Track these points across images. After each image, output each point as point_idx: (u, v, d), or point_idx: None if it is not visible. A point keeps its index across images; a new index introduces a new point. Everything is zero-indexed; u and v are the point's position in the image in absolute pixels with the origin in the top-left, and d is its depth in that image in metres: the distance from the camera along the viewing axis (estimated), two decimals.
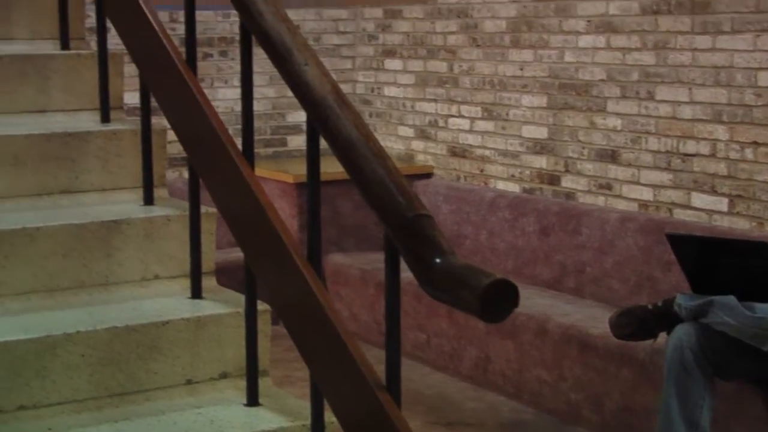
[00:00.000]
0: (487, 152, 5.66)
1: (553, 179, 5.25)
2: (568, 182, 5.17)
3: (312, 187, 1.93)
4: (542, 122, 5.30)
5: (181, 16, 6.27)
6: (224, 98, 6.28)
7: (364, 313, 5.34)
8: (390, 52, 6.33)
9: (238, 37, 2.14)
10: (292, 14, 2.06)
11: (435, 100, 6.01)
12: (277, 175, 5.78)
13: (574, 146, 5.13)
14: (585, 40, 5.04)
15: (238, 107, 2.20)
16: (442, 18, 5.93)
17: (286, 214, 5.61)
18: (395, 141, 6.30)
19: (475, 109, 5.72)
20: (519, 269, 5.10)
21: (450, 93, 5.89)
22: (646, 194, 4.75)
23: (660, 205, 4.69)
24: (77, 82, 2.61)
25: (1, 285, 2.14)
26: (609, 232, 4.70)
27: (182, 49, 2.30)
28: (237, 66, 6.98)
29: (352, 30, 6.63)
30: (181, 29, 6.23)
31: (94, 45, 2.67)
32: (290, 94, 1.98)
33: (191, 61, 2.27)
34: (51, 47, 2.69)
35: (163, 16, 4.89)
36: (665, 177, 4.65)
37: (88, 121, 2.56)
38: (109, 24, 2.49)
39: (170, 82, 2.26)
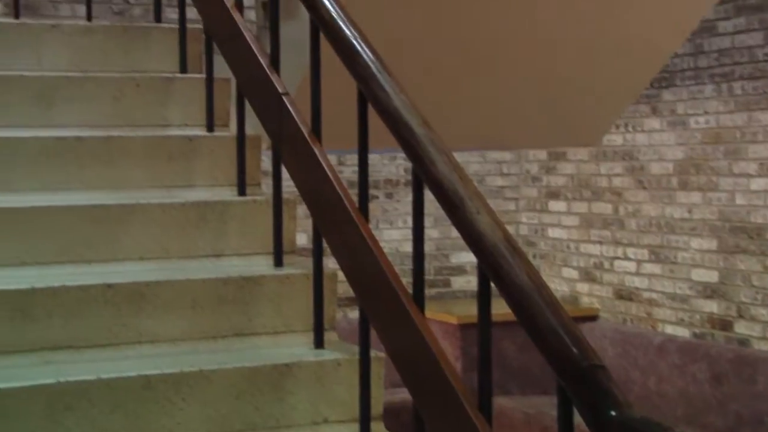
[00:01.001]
0: (654, 295, 5.54)
1: (726, 324, 5.09)
2: (741, 328, 5.00)
3: (482, 336, 1.92)
4: (712, 266, 5.17)
5: (349, 159, 6.45)
6: (389, 239, 6.37)
7: None
8: (554, 194, 6.33)
9: (403, 180, 2.18)
10: (456, 156, 2.08)
11: (600, 242, 5.95)
12: (441, 316, 5.79)
13: (747, 291, 4.98)
14: (757, 183, 4.94)
15: (403, 248, 2.22)
16: (607, 160, 5.92)
17: (450, 355, 5.58)
18: (559, 282, 6.25)
19: (642, 251, 5.64)
20: (691, 418, 4.92)
21: (615, 235, 5.83)
22: None
23: None
24: (252, 227, 2.69)
25: (178, 426, 2.19)
26: None
27: (351, 191, 2.36)
28: (402, 207, 7.12)
29: (516, 172, 6.68)
30: (348, 171, 6.42)
31: (266, 187, 2.76)
32: (454, 234, 2.00)
33: (363, 205, 2.32)
34: (228, 193, 2.79)
35: (332, 159, 5.04)
36: None
37: (262, 265, 2.62)
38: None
39: (341, 226, 2.31)
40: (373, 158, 6.55)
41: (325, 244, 2.41)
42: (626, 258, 5.70)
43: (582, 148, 6.05)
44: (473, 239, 1.91)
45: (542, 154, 6.38)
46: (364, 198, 2.34)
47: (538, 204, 6.43)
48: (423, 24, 3.79)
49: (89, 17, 3.31)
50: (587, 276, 6.00)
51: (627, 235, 5.69)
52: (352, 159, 6.15)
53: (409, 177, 6.28)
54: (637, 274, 5.60)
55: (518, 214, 6.63)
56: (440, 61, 4.53)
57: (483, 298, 1.93)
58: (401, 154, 2.13)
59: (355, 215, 2.28)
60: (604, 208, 5.87)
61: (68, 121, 2.80)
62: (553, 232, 6.31)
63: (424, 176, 2.06)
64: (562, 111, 5.21)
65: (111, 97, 2.85)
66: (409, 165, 2.17)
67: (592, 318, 5.86)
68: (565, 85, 4.94)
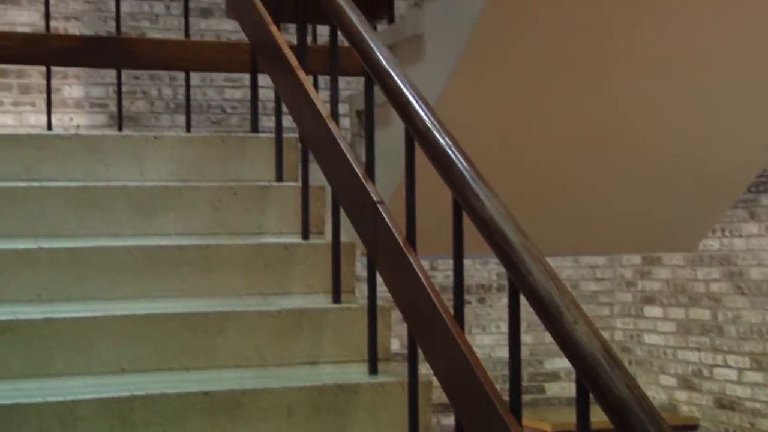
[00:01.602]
0: (758, 405, 5.38)
1: None
2: None
3: None
4: None
5: (441, 264, 6.46)
6: (482, 344, 6.33)
7: None
8: (649, 299, 6.24)
9: (496, 285, 2.17)
10: (550, 261, 2.07)
11: (698, 349, 5.83)
12: (535, 423, 5.69)
13: None
14: None
15: (495, 353, 2.21)
16: (704, 265, 5.83)
17: None
18: (657, 390, 6.11)
19: (743, 359, 5.50)
20: None
21: (715, 342, 5.71)
22: None
23: None
24: (347, 335, 2.70)
25: None
26: None
27: (444, 296, 2.35)
28: (494, 313, 7.08)
29: (610, 277, 6.61)
30: (440, 276, 6.40)
31: (360, 293, 2.77)
32: (548, 340, 1.98)
33: (458, 313, 2.31)
34: (323, 301, 2.81)
35: (425, 264, 5.05)
36: None
37: (357, 373, 2.62)
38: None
39: (436, 333, 2.31)
40: (465, 263, 6.54)
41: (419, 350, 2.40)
42: (726, 366, 5.56)
43: (677, 253, 5.98)
44: (570, 349, 1.89)
45: (636, 259, 6.31)
46: (460, 306, 2.33)
47: (633, 309, 6.34)
48: (515, 131, 3.81)
49: (188, 128, 3.40)
50: (686, 384, 5.86)
51: (727, 342, 5.56)
52: (445, 264, 6.16)
53: (502, 282, 6.25)
54: (739, 382, 5.45)
55: (613, 320, 6.54)
56: (533, 165, 4.55)
57: (582, 410, 1.90)
58: (493, 259, 2.12)
59: (450, 323, 2.27)
60: (702, 314, 5.76)
61: (169, 229, 2.86)
62: (649, 338, 6.20)
63: (520, 284, 2.05)
64: (658, 216, 5.16)
65: (209, 206, 2.91)
66: (501, 270, 2.17)
67: (692, 428, 5.71)
68: (661, 190, 4.90)
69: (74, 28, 6.04)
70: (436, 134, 2.23)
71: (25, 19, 5.95)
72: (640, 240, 5.53)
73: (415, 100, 2.31)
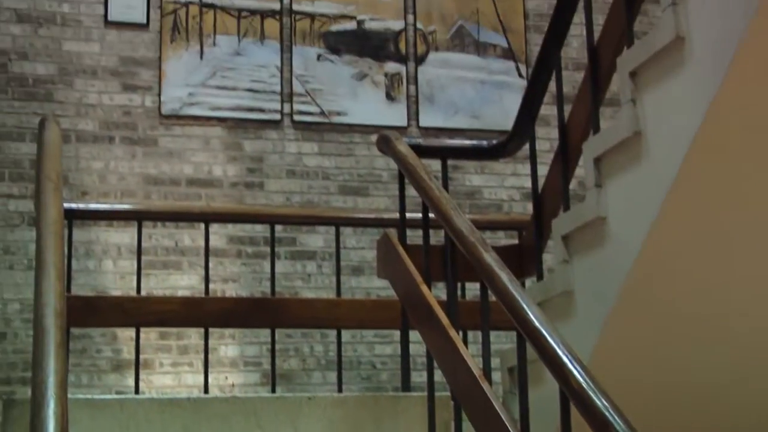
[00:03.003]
0: None
1: None
2: None
3: None
4: None
5: None
6: None
7: None
8: None
9: None
10: None
11: None
12: None
13: None
14: None
15: None
16: None
17: None
18: None
19: None
20: None
21: None
22: None
23: None
24: None
25: None
26: None
27: None
28: None
29: None
30: None
31: None
32: None
33: None
34: None
35: None
36: None
37: None
38: None
39: None
40: None
41: None
42: None
43: None
44: None
45: None
46: None
47: None
48: (667, 377, 3.71)
49: (340, 387, 3.43)
50: None
51: None
52: None
53: None
54: None
55: None
56: (689, 411, 4.40)
57: None
58: None
59: None
60: None
61: None
62: None
63: None
64: None
65: None
66: None
67: None
68: None
69: (231, 290, 6.26)
70: (592, 395, 2.19)
71: (186, 283, 6.21)
72: None
73: (569, 360, 2.28)
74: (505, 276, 2.64)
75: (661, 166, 2.83)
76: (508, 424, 2.57)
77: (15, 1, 6.32)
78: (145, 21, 6.49)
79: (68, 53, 6.33)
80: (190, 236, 6.23)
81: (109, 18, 6.44)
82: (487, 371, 2.76)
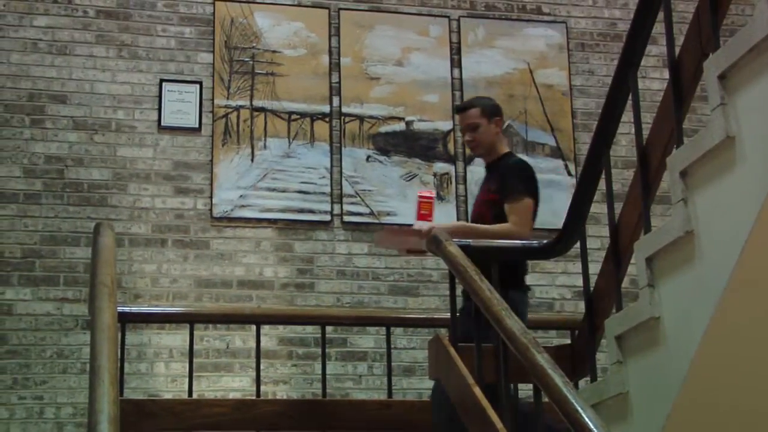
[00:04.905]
0: None
1: None
2: None
3: None
4: None
5: None
6: None
7: None
8: None
9: None
10: None
11: None
12: None
13: None
14: None
15: None
16: None
17: None
18: None
19: None
20: None
21: None
22: None
23: None
24: None
25: None
26: None
27: None
28: None
29: None
30: None
31: None
32: None
33: None
34: None
35: None
36: None
37: None
38: None
39: None
40: None
41: None
42: None
43: None
44: None
45: None
46: None
47: None
48: None
49: None
50: None
51: None
52: None
53: None
54: None
55: None
56: None
57: None
58: None
59: None
60: None
61: None
62: None
63: None
64: None
65: None
66: None
67: None
68: None
69: (282, 392, 6.23)
70: None
71: (237, 385, 6.20)
72: None
73: None
74: (558, 378, 2.61)
75: (715, 265, 2.81)
76: None
77: (72, 109, 6.46)
78: (197, 125, 6.60)
79: (122, 158, 6.45)
80: (241, 338, 6.24)
81: (163, 123, 6.56)
82: None
